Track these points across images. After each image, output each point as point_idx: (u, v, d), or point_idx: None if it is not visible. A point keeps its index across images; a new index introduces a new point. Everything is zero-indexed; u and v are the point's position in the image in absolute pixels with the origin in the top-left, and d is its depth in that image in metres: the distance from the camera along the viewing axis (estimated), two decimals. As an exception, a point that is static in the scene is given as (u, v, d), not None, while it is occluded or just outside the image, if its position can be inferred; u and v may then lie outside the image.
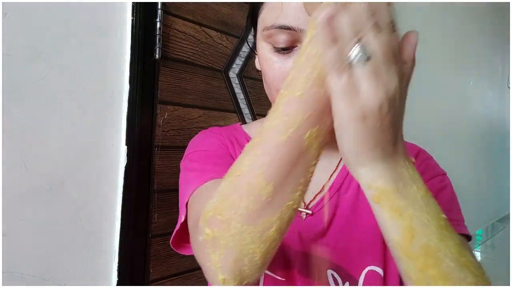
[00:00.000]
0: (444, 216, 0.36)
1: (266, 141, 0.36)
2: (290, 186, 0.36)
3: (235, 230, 0.36)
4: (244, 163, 0.37)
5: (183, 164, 0.62)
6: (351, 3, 0.31)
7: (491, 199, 4.03)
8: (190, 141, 0.66)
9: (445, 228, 0.35)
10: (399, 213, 0.34)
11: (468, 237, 0.55)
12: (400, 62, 0.33)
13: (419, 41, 0.36)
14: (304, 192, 0.37)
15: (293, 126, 0.34)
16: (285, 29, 0.50)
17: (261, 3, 0.54)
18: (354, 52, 0.31)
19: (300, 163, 0.35)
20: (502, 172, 4.35)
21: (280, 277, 0.56)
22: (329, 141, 0.37)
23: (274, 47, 0.52)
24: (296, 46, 0.51)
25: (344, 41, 0.31)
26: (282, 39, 0.50)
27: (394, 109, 0.32)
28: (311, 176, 0.37)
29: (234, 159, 0.61)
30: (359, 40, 0.31)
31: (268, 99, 0.67)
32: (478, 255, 3.23)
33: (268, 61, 0.53)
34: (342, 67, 0.31)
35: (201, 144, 0.64)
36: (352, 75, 0.31)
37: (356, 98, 0.31)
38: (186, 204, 0.54)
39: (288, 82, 0.35)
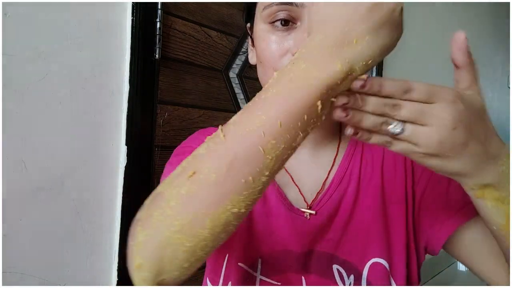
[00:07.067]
0: None
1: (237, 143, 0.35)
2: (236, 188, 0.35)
3: (170, 211, 0.35)
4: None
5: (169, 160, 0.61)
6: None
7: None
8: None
9: None
10: (501, 202, 0.39)
11: None
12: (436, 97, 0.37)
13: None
14: (249, 206, 0.36)
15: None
16: (285, 4, 0.50)
17: None
18: (390, 127, 0.36)
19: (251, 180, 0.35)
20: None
21: (276, 281, 0.55)
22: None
23: (273, 27, 0.52)
24: (296, 23, 0.51)
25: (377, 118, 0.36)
26: (283, 14, 0.50)
27: (455, 131, 0.36)
28: (255, 199, 0.36)
29: None
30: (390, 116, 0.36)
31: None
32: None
33: (266, 39, 0.53)
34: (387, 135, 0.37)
35: (190, 141, 0.63)
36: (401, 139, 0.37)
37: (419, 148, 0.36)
38: None
39: None
